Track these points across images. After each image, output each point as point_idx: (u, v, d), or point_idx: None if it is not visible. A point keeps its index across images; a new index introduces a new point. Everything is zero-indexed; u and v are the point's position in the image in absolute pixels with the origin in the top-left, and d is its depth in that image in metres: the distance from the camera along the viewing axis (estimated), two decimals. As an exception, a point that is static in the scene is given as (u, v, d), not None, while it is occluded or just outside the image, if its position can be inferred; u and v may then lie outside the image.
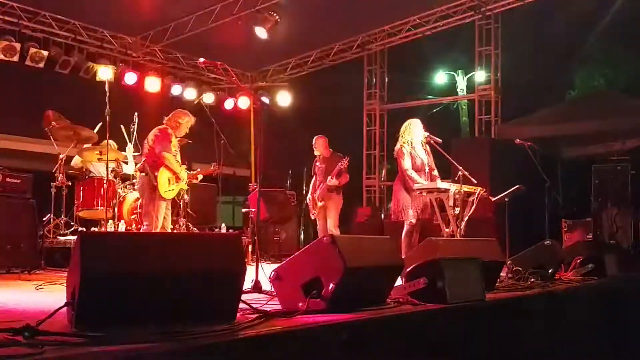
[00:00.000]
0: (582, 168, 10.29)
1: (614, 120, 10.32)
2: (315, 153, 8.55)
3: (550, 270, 5.74)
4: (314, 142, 8.54)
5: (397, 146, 7.28)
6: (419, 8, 11.82)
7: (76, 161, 8.36)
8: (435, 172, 7.30)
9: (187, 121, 7.01)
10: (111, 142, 7.56)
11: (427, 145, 7.29)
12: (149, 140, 6.86)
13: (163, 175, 6.68)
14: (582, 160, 11.56)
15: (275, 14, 9.69)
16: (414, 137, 7.21)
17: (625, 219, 9.29)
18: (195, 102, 12.18)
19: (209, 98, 12.38)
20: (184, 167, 7.21)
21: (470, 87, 15.68)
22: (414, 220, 7.05)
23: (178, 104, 12.13)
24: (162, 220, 6.76)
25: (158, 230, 6.60)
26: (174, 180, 6.78)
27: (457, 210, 6.75)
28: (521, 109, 12.18)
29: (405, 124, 7.39)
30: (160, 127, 6.91)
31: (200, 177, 7.84)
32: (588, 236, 9.52)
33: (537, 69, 17.40)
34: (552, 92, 17.38)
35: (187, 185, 7.40)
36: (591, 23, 17.13)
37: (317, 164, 8.49)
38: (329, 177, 8.17)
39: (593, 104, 11.59)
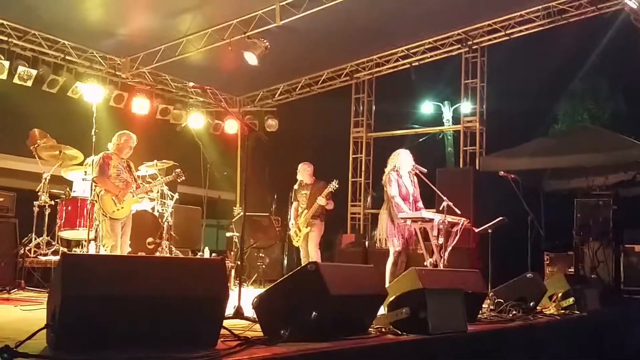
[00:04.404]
0: (565, 202, 10.37)
1: (597, 155, 10.43)
2: (298, 178, 8.54)
3: (531, 303, 5.75)
4: (299, 168, 8.54)
5: (385, 173, 7.34)
6: (407, 39, 11.98)
7: None
8: (420, 204, 7.33)
9: (126, 140, 7.20)
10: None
11: (414, 177, 7.35)
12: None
13: (106, 198, 6.89)
14: (565, 194, 11.65)
15: (265, 41, 9.77)
16: (402, 166, 7.27)
17: (607, 253, 9.34)
18: (183, 125, 12.25)
19: (196, 121, 12.40)
20: (141, 182, 7.51)
21: (456, 117, 15.86)
22: (399, 249, 7.07)
23: (165, 125, 12.20)
24: (120, 240, 6.95)
25: (117, 250, 6.78)
26: (118, 200, 6.93)
27: (441, 240, 6.78)
28: (506, 141, 12.30)
29: (395, 152, 7.45)
30: (101, 153, 7.08)
31: (163, 186, 8.27)
32: (569, 270, 9.57)
33: (522, 102, 17.62)
34: (536, 126, 17.58)
35: (141, 198, 7.52)
36: (576, 59, 17.44)
37: (302, 191, 8.48)
38: (319, 197, 8.14)
39: (577, 138, 11.71)
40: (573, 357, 5.71)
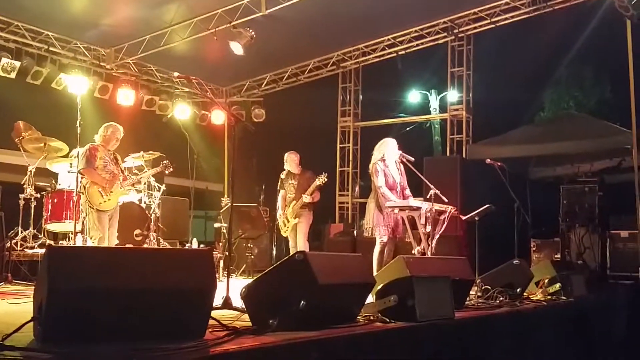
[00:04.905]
0: (551, 189, 10.45)
1: (583, 142, 10.51)
2: (285, 167, 8.54)
3: (518, 289, 5.80)
4: (285, 157, 8.53)
5: (372, 162, 7.35)
6: (394, 28, 11.96)
7: None
8: (408, 191, 7.35)
9: (113, 132, 7.14)
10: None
11: (401, 165, 7.36)
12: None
13: (93, 189, 6.84)
14: (551, 180, 11.74)
15: (251, 30, 9.72)
16: (388, 155, 7.28)
17: (593, 239, 9.44)
18: (169, 116, 12.18)
19: (182, 112, 12.33)
20: (127, 173, 7.47)
21: (443, 106, 15.88)
22: (385, 238, 7.09)
23: (150, 116, 12.13)
24: (107, 232, 6.92)
25: (105, 242, 6.75)
26: (105, 192, 6.88)
27: (429, 228, 6.80)
28: (492, 129, 12.36)
29: (381, 142, 7.46)
30: (88, 144, 7.03)
31: (150, 178, 8.17)
32: (556, 256, 9.65)
33: (508, 90, 17.70)
34: (522, 113, 17.68)
35: (128, 190, 7.49)
36: (562, 46, 17.52)
37: (290, 180, 8.47)
38: (304, 195, 8.15)
39: (562, 125, 11.78)
40: (560, 342, 5.77)
